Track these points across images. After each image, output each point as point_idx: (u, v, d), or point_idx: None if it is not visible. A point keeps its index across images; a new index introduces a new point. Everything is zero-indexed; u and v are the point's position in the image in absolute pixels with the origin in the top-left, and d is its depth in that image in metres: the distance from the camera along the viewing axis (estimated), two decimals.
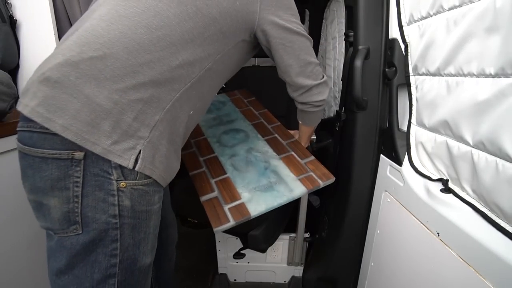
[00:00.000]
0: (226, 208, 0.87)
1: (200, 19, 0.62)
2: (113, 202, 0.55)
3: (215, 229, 0.83)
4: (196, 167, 1.04)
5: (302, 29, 0.78)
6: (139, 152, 0.56)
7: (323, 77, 0.85)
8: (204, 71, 0.66)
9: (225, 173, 1.00)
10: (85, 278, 0.56)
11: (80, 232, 0.55)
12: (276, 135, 1.18)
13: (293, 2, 0.78)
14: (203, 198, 0.92)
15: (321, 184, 0.95)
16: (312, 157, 1.07)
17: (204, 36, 0.64)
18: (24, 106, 0.52)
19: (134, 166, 0.55)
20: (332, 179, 0.97)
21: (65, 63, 0.52)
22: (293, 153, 1.09)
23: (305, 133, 1.07)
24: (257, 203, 0.88)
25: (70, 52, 0.53)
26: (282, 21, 0.73)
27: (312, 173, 0.98)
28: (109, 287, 0.58)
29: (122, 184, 0.55)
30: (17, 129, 0.55)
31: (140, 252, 0.61)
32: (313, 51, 0.82)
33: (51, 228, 0.56)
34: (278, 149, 1.10)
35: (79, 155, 0.52)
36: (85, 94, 0.52)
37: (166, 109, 0.60)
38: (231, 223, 0.83)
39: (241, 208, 0.87)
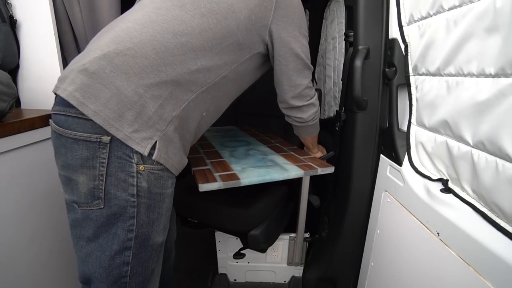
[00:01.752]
0: (217, 174, 0.88)
1: (219, 30, 0.70)
2: (132, 182, 0.63)
3: (200, 186, 0.81)
4: (195, 154, 1.10)
5: (305, 50, 0.84)
6: (155, 143, 0.63)
7: (311, 98, 0.90)
8: (219, 78, 0.73)
9: (221, 157, 1.05)
10: (107, 247, 0.64)
11: (102, 206, 0.63)
12: (277, 144, 1.24)
13: (304, 19, 0.85)
14: (195, 168, 0.93)
15: (319, 170, 0.96)
16: (313, 156, 1.09)
17: (222, 46, 0.71)
18: (63, 90, 0.59)
19: (149, 154, 0.62)
20: (331, 168, 0.98)
21: (103, 57, 0.60)
22: (292, 152, 1.14)
23: (307, 142, 1.12)
24: (250, 175, 0.88)
25: (108, 48, 0.61)
26: (289, 37, 0.80)
27: (310, 163, 1.01)
28: (124, 258, 0.66)
29: (141, 167, 0.62)
30: (52, 112, 0.63)
31: (153, 230, 0.68)
32: (308, 73, 0.87)
33: (77, 202, 0.64)
34: (278, 151, 1.15)
35: (106, 139, 0.60)
36: (116, 86, 0.59)
37: (182, 107, 0.67)
38: (219, 183, 0.82)
39: (232, 175, 0.88)
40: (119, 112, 0.59)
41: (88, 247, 0.65)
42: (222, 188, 0.83)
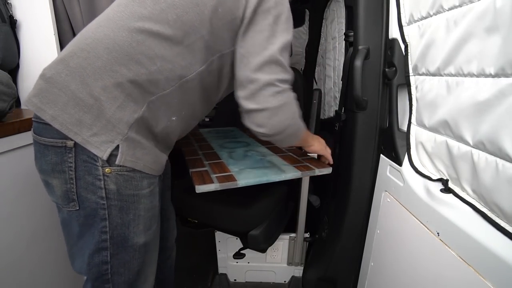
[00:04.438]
0: (214, 176, 0.88)
1: (180, 26, 0.63)
2: (100, 185, 0.62)
3: (197, 187, 0.81)
4: (194, 155, 1.10)
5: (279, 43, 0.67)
6: (118, 146, 0.61)
7: (273, 102, 0.67)
8: (184, 81, 0.66)
9: (220, 159, 1.05)
10: (87, 246, 0.66)
11: (78, 208, 0.64)
12: (274, 145, 1.23)
13: (285, 10, 0.69)
14: (193, 170, 0.94)
15: (316, 171, 0.96)
16: (312, 157, 1.09)
17: (184, 45, 0.64)
18: (26, 97, 0.61)
19: (111, 157, 0.61)
20: (328, 169, 0.98)
21: (60, 62, 0.60)
22: (291, 153, 1.16)
23: (298, 144, 0.96)
24: (247, 176, 0.89)
25: (64, 52, 0.61)
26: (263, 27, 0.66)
27: (307, 164, 1.02)
28: (102, 258, 0.67)
29: (107, 170, 0.61)
30: (32, 119, 0.65)
31: (130, 232, 0.67)
32: (275, 67, 0.67)
33: (58, 203, 0.66)
34: (276, 151, 1.16)
35: (70, 143, 0.60)
36: (71, 90, 0.58)
37: (143, 109, 0.63)
38: (215, 184, 0.82)
39: (229, 177, 0.88)
40: (77, 116, 0.58)
41: (76, 244, 0.68)
42: (219, 189, 0.83)
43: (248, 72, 0.66)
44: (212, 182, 0.83)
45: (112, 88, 0.60)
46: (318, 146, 0.99)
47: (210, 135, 1.44)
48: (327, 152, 1.02)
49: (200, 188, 0.82)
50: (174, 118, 0.70)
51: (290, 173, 0.93)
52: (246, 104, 0.68)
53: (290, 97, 0.71)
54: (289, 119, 0.71)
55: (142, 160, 0.65)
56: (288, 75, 0.70)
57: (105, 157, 0.60)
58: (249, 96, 0.67)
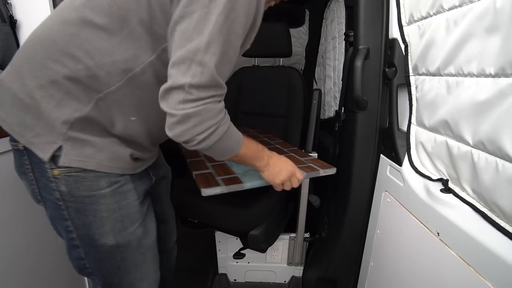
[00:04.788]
0: (219, 178, 0.86)
1: (116, 12, 0.55)
2: (52, 187, 0.60)
3: (202, 191, 0.79)
4: (195, 157, 1.09)
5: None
6: (60, 147, 0.57)
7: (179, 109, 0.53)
8: (132, 75, 0.59)
9: (222, 160, 1.01)
10: (64, 241, 0.67)
11: (45, 207, 0.65)
12: (277, 146, 1.21)
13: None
14: (196, 172, 0.91)
15: (321, 171, 0.94)
16: (314, 157, 1.08)
17: (125, 33, 0.56)
18: None
19: (54, 158, 0.58)
20: (333, 169, 0.96)
21: (11, 64, 0.59)
22: (293, 154, 1.13)
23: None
24: (251, 178, 0.86)
25: (15, 55, 0.60)
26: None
27: (311, 164, 1.00)
28: (77, 254, 0.67)
29: (55, 171, 0.59)
30: None
31: (95, 233, 0.64)
32: (195, 68, 0.52)
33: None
34: (278, 153, 1.05)
35: (21, 145, 0.59)
36: (13, 91, 0.57)
37: (89, 108, 0.58)
38: (221, 187, 0.80)
39: (235, 179, 0.86)
40: (20, 117, 0.57)
41: (68, 236, 0.67)
42: (225, 192, 0.82)
43: (169, 66, 0.54)
44: (217, 184, 0.82)
45: (48, 86, 0.56)
46: (271, 172, 0.79)
47: None
48: (281, 184, 0.81)
49: (207, 192, 0.79)
50: (133, 119, 0.63)
51: None
52: (159, 101, 0.56)
53: (205, 109, 0.55)
54: (204, 131, 0.56)
55: (94, 159, 0.60)
56: (211, 81, 0.53)
57: (47, 158, 0.57)
58: (162, 94, 0.55)
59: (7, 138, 0.81)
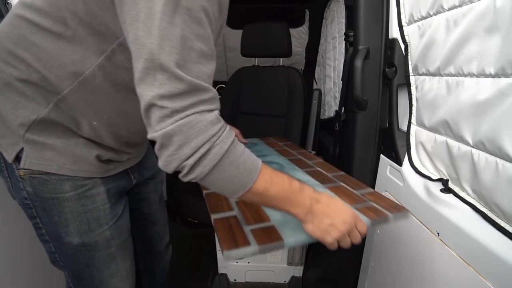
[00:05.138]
0: (248, 229, 0.60)
1: (56, 12, 0.51)
2: (20, 186, 0.61)
3: (226, 253, 0.54)
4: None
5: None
6: (22, 149, 0.58)
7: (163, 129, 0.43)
8: (84, 78, 0.55)
9: None
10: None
11: (19, 204, 0.65)
12: (318, 168, 0.93)
13: None
14: (215, 216, 0.66)
15: (390, 216, 0.65)
16: (371, 189, 0.78)
17: (69, 35, 0.52)
18: None
19: (18, 160, 0.58)
20: (406, 213, 0.67)
21: None
22: (342, 183, 0.82)
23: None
24: (295, 229, 0.59)
25: None
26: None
27: (373, 204, 0.70)
28: (48, 248, 0.68)
29: (21, 172, 0.59)
30: None
31: (61, 232, 0.64)
32: (161, 79, 0.42)
33: None
34: (322, 179, 0.84)
35: None
36: None
37: (48, 110, 0.56)
38: (253, 247, 0.54)
39: (270, 231, 0.60)
40: None
41: None
42: (258, 255, 0.56)
43: (135, 81, 0.45)
44: (248, 243, 0.55)
45: (4, 89, 0.56)
46: (317, 226, 0.55)
47: None
48: (335, 243, 0.57)
49: (232, 255, 0.54)
50: (95, 123, 0.59)
51: None
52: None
53: (188, 123, 0.43)
54: (193, 153, 0.44)
55: (55, 162, 0.58)
56: (183, 85, 0.43)
57: (10, 160, 0.58)
58: (144, 121, 0.46)
59: None
